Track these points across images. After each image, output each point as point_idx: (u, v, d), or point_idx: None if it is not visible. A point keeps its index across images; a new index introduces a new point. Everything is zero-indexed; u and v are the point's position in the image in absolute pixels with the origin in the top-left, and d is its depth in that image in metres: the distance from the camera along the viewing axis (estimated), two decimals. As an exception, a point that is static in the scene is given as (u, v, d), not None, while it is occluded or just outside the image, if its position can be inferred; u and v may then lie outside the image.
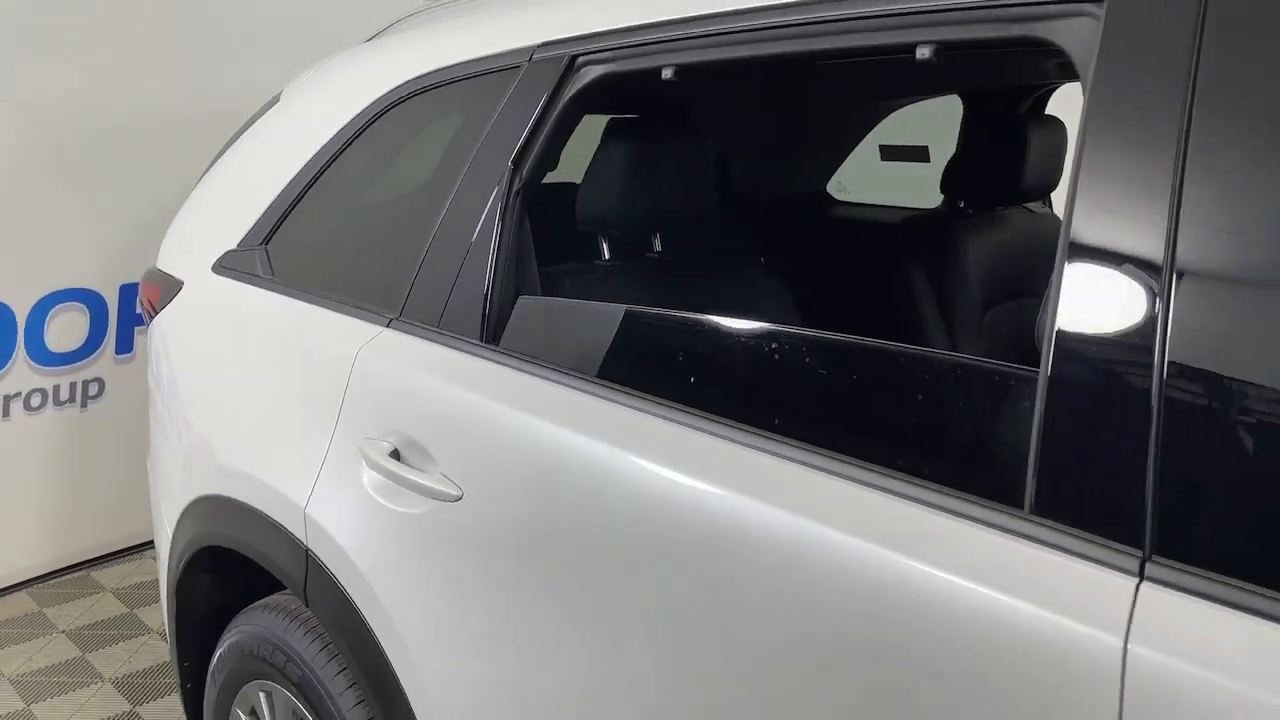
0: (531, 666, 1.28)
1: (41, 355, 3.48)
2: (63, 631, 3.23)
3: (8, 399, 3.43)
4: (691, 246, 1.84)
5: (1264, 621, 0.77)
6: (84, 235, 3.44)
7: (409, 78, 1.72)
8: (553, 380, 1.34)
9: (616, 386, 1.27)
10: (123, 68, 3.39)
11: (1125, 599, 0.82)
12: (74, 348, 3.55)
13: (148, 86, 3.46)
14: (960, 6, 1.05)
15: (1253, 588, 0.78)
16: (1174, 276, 0.84)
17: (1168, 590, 0.81)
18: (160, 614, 2.41)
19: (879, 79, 2.24)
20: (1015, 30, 1.02)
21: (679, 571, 1.11)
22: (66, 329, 3.51)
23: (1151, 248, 0.85)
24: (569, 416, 1.29)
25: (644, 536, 1.15)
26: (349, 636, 1.51)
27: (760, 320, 1.22)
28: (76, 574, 3.59)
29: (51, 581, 3.54)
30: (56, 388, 3.53)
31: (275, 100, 2.09)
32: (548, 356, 1.38)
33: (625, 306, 1.33)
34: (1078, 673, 0.82)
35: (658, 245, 1.87)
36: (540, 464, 1.29)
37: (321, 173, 1.85)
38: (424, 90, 1.70)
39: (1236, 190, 0.82)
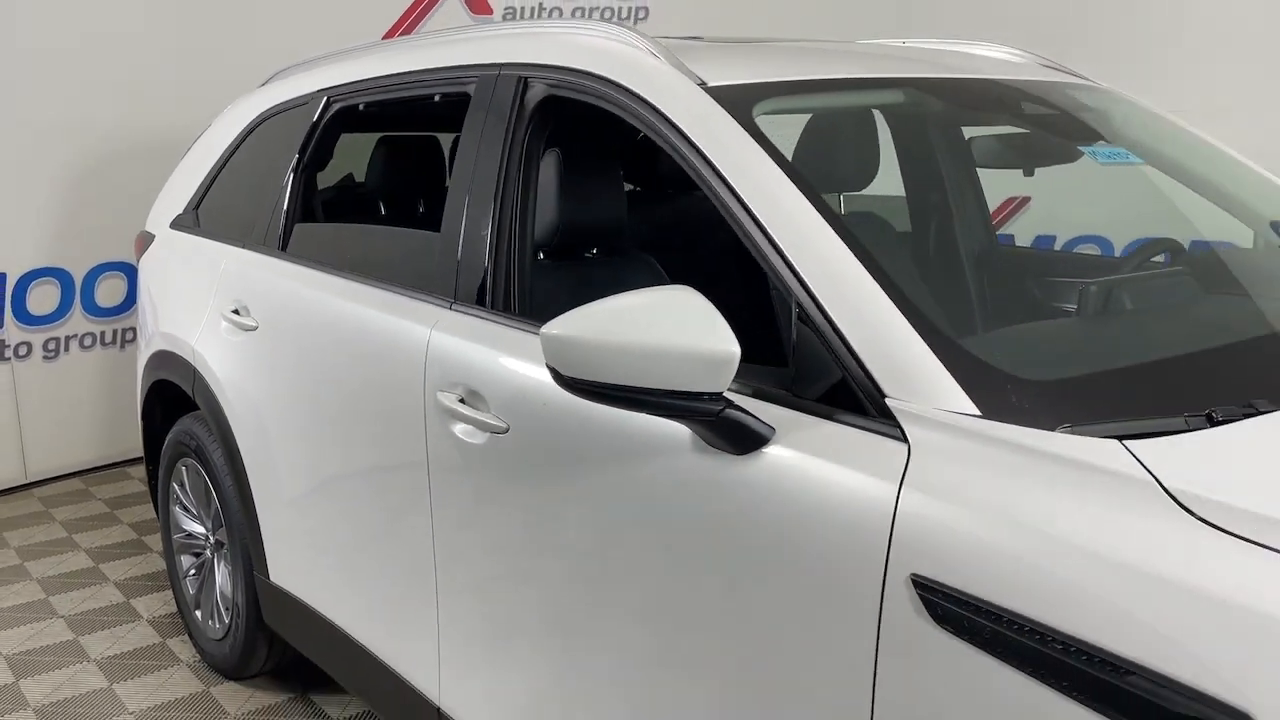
0: (286, 400, 2.55)
1: (92, 309, 4.87)
2: (100, 499, 4.59)
3: (68, 339, 4.83)
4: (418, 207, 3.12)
5: (483, 321, 1.99)
6: (124, 222, 4.79)
7: (265, 108, 3.03)
8: (306, 265, 2.60)
9: (334, 266, 2.51)
10: (154, 101, 4.74)
11: (443, 312, 2.05)
12: (115, 304, 4.92)
13: (176, 117, 4.78)
14: (447, 77, 2.29)
15: (475, 309, 2.01)
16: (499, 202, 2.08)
17: (454, 312, 2.04)
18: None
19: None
20: (464, 88, 2.25)
21: (347, 340, 2.36)
22: (110, 291, 4.88)
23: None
24: (312, 283, 2.55)
25: (336, 327, 2.40)
26: (212, 412, 2.79)
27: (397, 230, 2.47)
28: (115, 469, 4.95)
29: (96, 474, 4.91)
30: (103, 333, 4.91)
31: (211, 123, 3.42)
32: (306, 254, 2.65)
33: (338, 225, 2.60)
34: (418, 336, 2.05)
35: (421, 208, 3.13)
36: (297, 307, 2.55)
37: (224, 165, 3.16)
38: (271, 115, 3.00)
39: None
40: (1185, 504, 1.08)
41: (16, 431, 4.75)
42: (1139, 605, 1.03)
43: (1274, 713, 0.94)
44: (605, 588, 1.67)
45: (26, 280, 4.70)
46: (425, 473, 2.04)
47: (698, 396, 1.38)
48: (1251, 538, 1.03)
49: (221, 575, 3.00)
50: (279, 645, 2.88)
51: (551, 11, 5.68)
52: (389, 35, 5.59)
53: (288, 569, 2.61)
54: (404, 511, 2.13)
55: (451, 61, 2.30)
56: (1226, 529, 1.04)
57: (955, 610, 1.17)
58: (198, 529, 3.13)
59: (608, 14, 5.77)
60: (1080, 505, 1.13)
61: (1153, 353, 1.51)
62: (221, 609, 3.00)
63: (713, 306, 1.39)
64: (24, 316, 4.72)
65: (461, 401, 1.93)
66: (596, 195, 2.24)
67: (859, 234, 1.48)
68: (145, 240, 3.46)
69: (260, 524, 2.67)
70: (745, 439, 1.41)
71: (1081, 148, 2.17)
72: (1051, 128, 2.14)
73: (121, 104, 4.68)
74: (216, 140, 3.25)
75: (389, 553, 2.20)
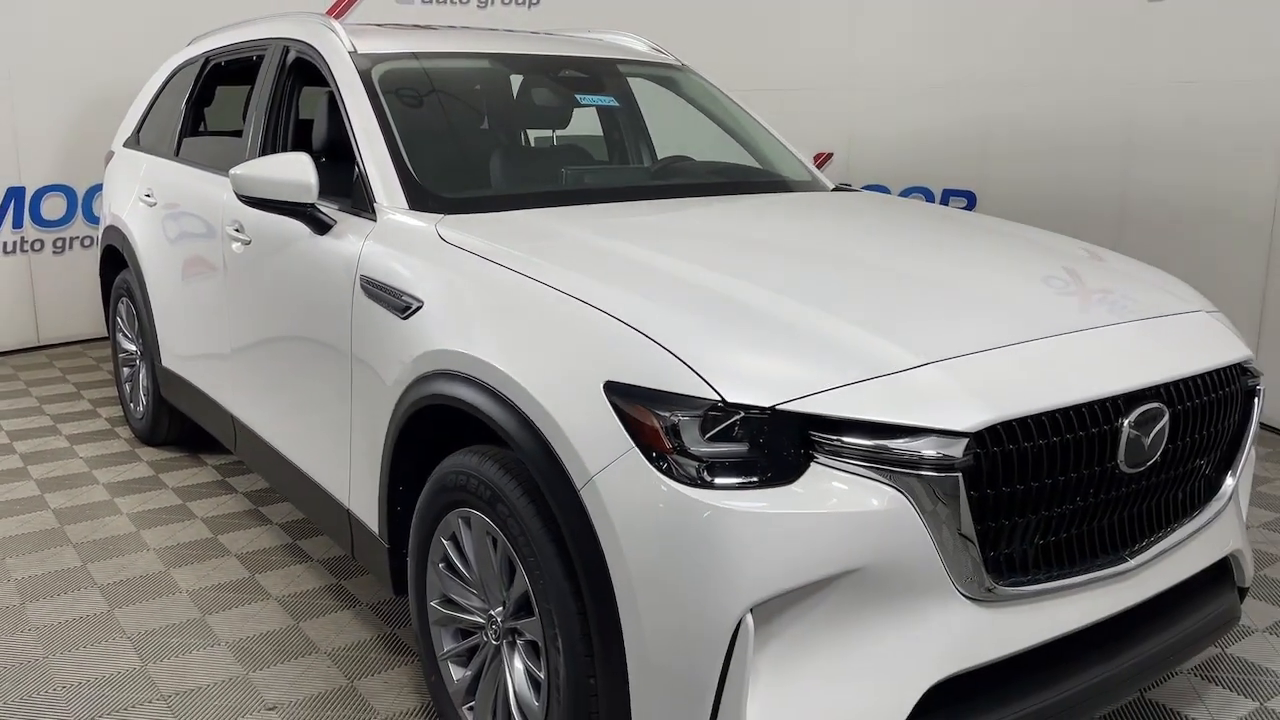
0: (166, 246, 4.07)
1: (91, 218, 6.44)
2: (91, 357, 6.19)
3: (71, 239, 6.42)
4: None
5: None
6: (112, 151, 6.35)
7: (180, 62, 4.54)
8: (184, 163, 4.11)
9: (196, 163, 4.01)
10: (142, 60, 6.27)
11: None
12: (109, 214, 6.48)
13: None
14: (258, 45, 3.77)
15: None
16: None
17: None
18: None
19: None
20: (264, 52, 3.72)
21: (192, 204, 3.86)
22: (105, 204, 6.44)
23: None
24: (183, 173, 4.05)
25: (188, 197, 3.90)
26: (132, 260, 4.33)
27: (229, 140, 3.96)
28: (106, 340, 6.53)
29: (92, 343, 6.51)
30: (99, 236, 6.48)
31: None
32: (189, 158, 4.16)
33: (201, 138, 4.12)
34: (222, 198, 3.55)
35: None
36: (175, 188, 4.07)
37: (155, 101, 4.68)
38: (182, 68, 4.51)
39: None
40: (443, 236, 2.54)
41: (32, 306, 6.36)
42: (400, 263, 2.50)
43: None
44: (281, 320, 3.16)
45: (41, 193, 6.30)
46: (224, 274, 3.55)
47: (300, 204, 2.86)
48: (459, 245, 2.48)
49: (143, 374, 4.55)
50: (176, 419, 4.42)
51: (459, -6, 7.14)
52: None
53: (170, 354, 4.15)
54: (214, 299, 3.63)
55: (260, 36, 3.78)
56: (452, 242, 2.50)
57: (375, 291, 2.62)
58: (131, 347, 4.68)
59: (507, -2, 7.22)
60: (410, 237, 2.60)
61: (522, 189, 2.98)
62: (142, 396, 4.56)
63: (311, 161, 2.85)
64: (39, 220, 6.32)
65: (236, 230, 3.43)
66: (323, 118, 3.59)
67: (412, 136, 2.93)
68: (109, 156, 5.01)
69: (156, 328, 4.21)
70: (321, 225, 2.89)
71: (579, 95, 3.61)
72: (571, 84, 3.58)
73: (117, 62, 6.20)
74: (153, 84, 4.78)
75: (208, 326, 3.72)
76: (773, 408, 1.81)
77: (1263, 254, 4.88)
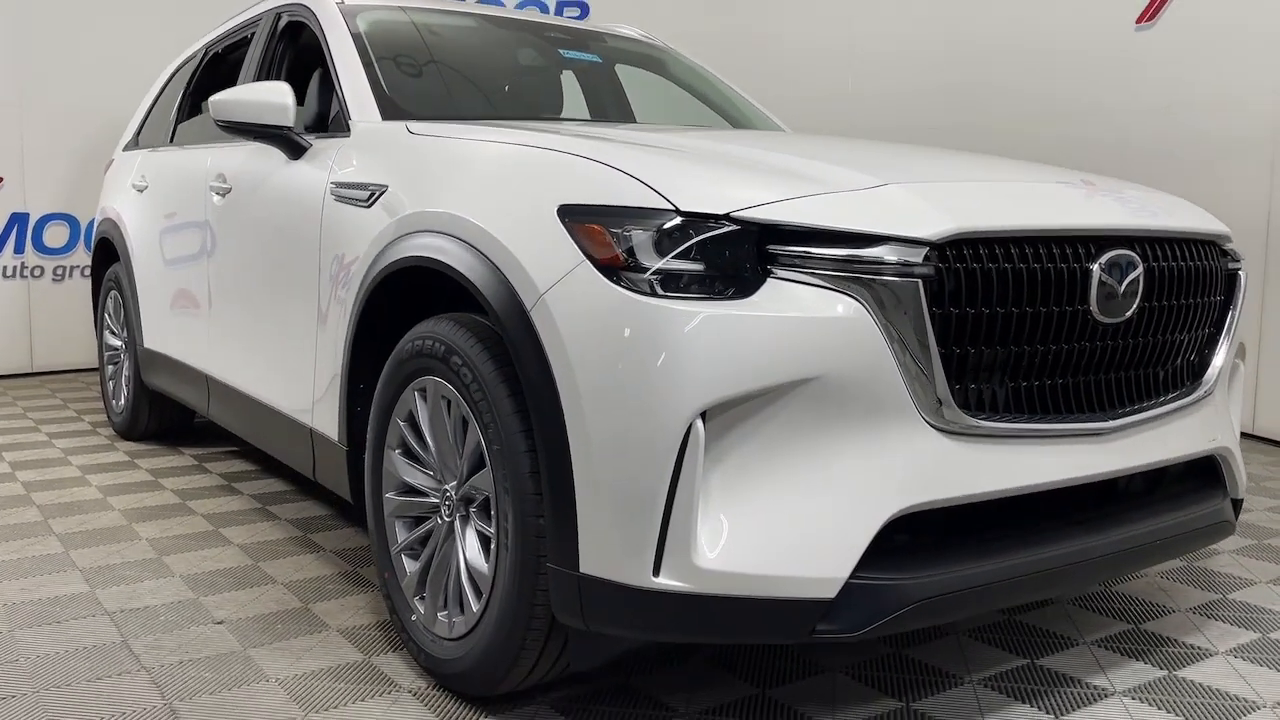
0: (152, 225, 4.08)
1: (90, 246, 6.49)
2: (83, 384, 6.15)
3: (72, 268, 6.46)
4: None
5: (232, 144, 3.50)
6: (117, 181, 6.45)
7: (183, 59, 4.64)
8: (183, 147, 4.16)
9: (190, 141, 4.06)
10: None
11: (221, 145, 3.57)
12: (110, 245, 6.54)
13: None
14: (253, 22, 3.85)
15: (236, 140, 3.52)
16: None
17: (228, 144, 3.56)
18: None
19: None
20: (259, 26, 3.80)
21: (180, 174, 3.89)
22: (107, 235, 6.51)
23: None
24: (173, 152, 4.10)
25: (176, 169, 3.94)
26: (120, 245, 4.34)
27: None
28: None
29: (85, 372, 6.48)
30: (99, 266, 6.52)
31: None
32: (180, 141, 4.21)
33: (195, 119, 4.18)
34: (208, 158, 3.58)
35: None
36: (175, 172, 4.11)
37: (155, 101, 4.77)
38: (185, 64, 4.60)
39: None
40: (410, 130, 2.53)
41: (28, 332, 6.37)
42: (369, 161, 2.49)
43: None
44: (256, 250, 3.14)
45: (44, 220, 6.37)
46: (206, 230, 3.54)
47: (278, 128, 2.87)
48: (424, 133, 2.47)
49: (126, 366, 4.51)
50: (155, 412, 4.36)
51: None
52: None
53: (152, 334, 4.12)
54: (196, 257, 3.62)
55: (255, 13, 3.86)
56: (418, 133, 2.49)
57: (343, 192, 2.61)
58: (116, 342, 4.66)
59: None
60: (381, 138, 2.60)
61: (494, 113, 2.99)
62: (124, 387, 4.51)
63: (290, 88, 2.88)
64: (40, 247, 6.38)
65: (218, 182, 3.44)
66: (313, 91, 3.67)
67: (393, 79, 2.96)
68: (109, 163, 5.08)
69: (140, 309, 4.19)
70: (297, 149, 2.90)
71: (562, 50, 3.65)
72: (558, 42, 3.63)
73: (128, 93, 6.32)
74: (154, 88, 4.88)
75: (189, 287, 3.70)
76: (728, 214, 1.76)
77: (1259, 266, 4.85)
